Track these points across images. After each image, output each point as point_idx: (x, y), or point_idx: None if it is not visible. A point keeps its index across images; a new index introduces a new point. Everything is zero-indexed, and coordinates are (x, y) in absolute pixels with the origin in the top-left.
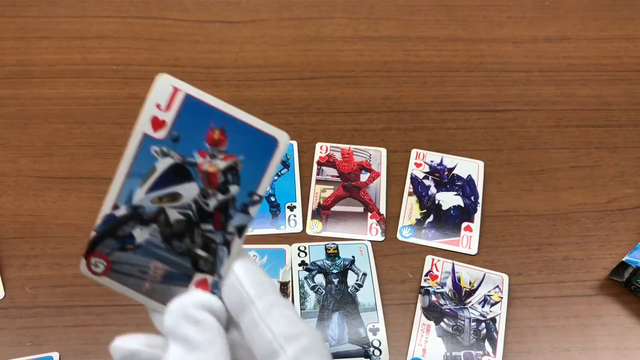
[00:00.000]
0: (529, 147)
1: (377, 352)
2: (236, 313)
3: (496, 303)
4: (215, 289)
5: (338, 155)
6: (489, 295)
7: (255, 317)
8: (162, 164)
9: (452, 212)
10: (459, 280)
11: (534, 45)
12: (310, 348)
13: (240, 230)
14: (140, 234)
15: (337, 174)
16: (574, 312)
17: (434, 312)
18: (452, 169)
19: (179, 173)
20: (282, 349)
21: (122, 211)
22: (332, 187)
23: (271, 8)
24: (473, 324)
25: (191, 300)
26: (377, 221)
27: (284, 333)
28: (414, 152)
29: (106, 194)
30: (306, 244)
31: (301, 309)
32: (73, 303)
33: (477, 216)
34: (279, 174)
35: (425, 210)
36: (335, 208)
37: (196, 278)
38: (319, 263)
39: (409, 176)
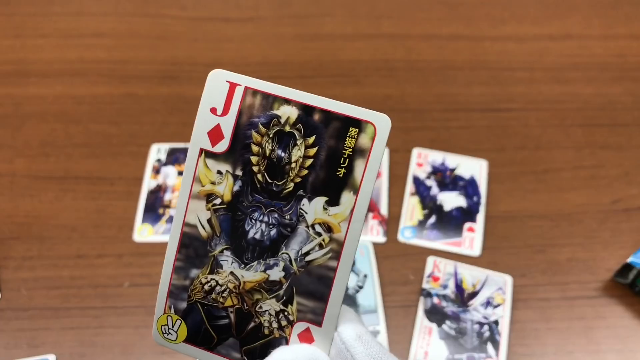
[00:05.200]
0: (532, 147)
1: None
2: None
3: (499, 305)
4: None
5: None
6: (491, 298)
7: None
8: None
9: (454, 213)
10: (462, 282)
11: (537, 44)
12: None
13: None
14: None
15: None
16: (578, 314)
17: (436, 315)
18: (455, 169)
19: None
20: None
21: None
22: None
23: (270, 5)
24: (476, 326)
25: (297, 354)
26: (379, 222)
27: None
28: (415, 151)
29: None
30: None
31: None
32: (69, 305)
33: (480, 217)
34: None
35: (427, 211)
36: None
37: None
38: None
39: (410, 176)
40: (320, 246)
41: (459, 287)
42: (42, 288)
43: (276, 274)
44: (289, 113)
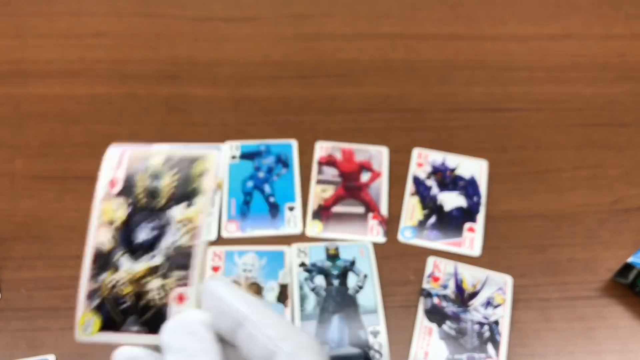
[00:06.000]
0: (532, 147)
1: (377, 355)
2: (229, 332)
3: (499, 305)
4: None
5: (338, 155)
6: (492, 298)
7: (251, 330)
8: None
9: (454, 213)
10: (462, 282)
11: (537, 43)
12: (306, 345)
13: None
14: None
15: (338, 174)
16: (578, 315)
17: (436, 315)
18: (455, 169)
19: None
20: (279, 347)
21: None
22: (332, 187)
23: (270, 5)
24: (476, 326)
25: (185, 316)
26: (379, 222)
27: (280, 335)
28: (415, 151)
29: None
30: (306, 245)
31: (301, 311)
32: (69, 305)
33: (480, 217)
34: (279, 174)
35: (427, 211)
36: (336, 209)
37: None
38: (318, 264)
39: (410, 176)
40: (185, 234)
41: (459, 287)
42: (42, 288)
43: (158, 260)
44: (158, 160)
